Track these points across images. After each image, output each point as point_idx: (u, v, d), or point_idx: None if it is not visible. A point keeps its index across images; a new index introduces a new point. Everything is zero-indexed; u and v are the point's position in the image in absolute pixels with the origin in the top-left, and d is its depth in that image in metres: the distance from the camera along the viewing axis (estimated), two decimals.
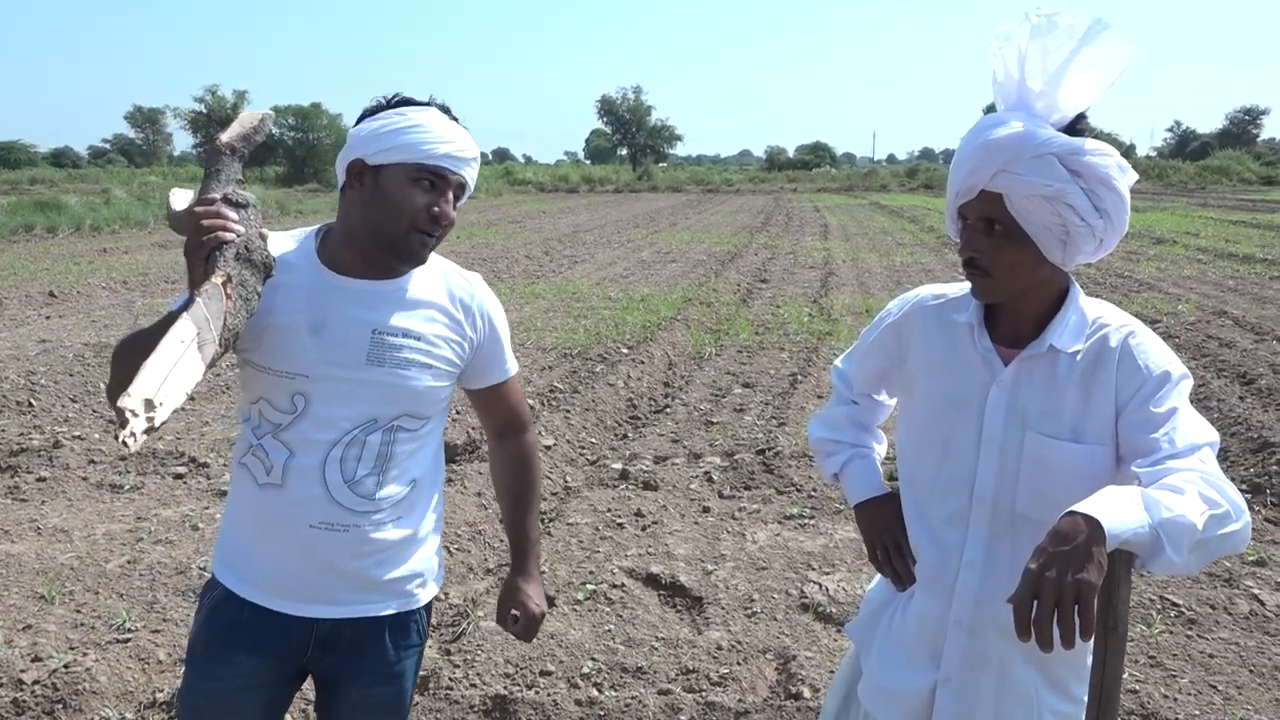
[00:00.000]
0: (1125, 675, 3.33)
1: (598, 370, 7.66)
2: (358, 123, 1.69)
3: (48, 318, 10.12)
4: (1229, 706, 3.17)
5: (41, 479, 5.19)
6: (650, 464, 5.67)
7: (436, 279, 1.78)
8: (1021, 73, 1.48)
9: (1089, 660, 1.67)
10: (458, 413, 6.32)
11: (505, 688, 3.23)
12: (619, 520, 4.75)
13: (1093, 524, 1.22)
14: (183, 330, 1.32)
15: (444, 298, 1.77)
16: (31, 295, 11.38)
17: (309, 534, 1.69)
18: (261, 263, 1.51)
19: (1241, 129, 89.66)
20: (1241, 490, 5.10)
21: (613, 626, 3.67)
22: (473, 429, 5.90)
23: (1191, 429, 1.46)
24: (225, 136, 1.64)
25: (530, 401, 6.58)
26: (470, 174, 1.71)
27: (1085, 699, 1.68)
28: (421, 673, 3.28)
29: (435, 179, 1.64)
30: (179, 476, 5.32)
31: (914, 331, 1.73)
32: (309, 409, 1.67)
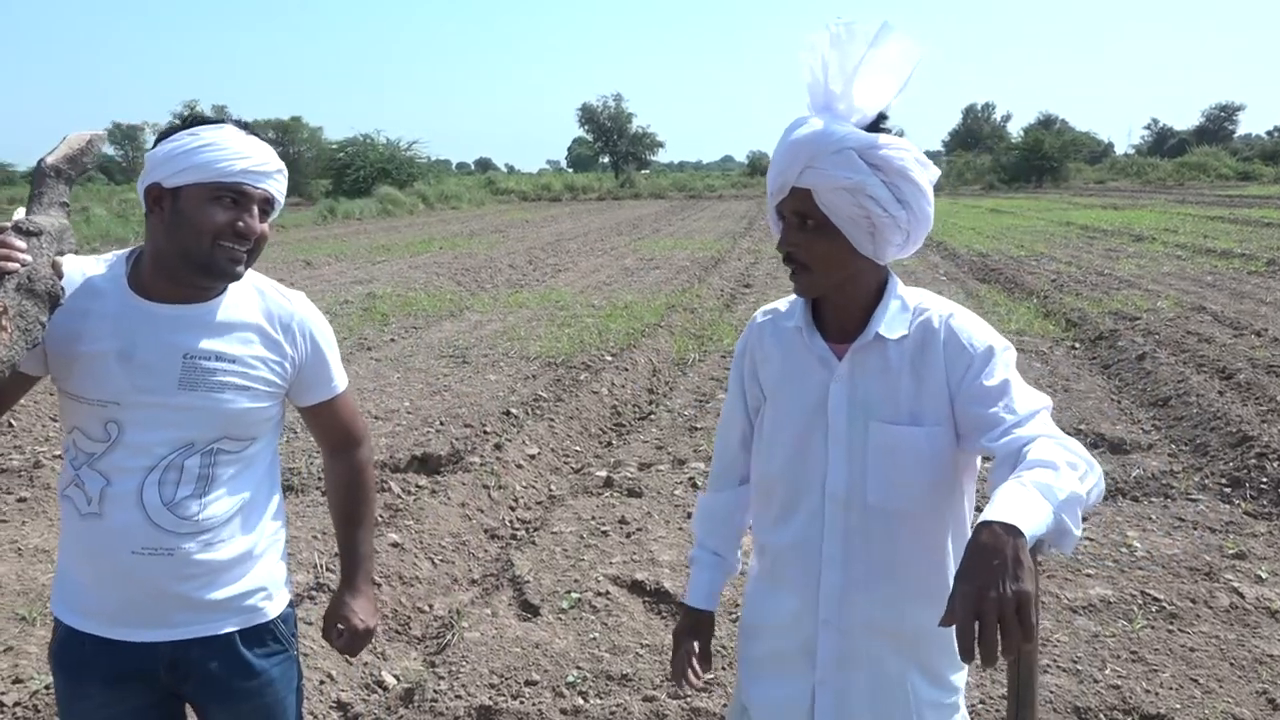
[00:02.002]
0: (1107, 671, 3.35)
1: (582, 378, 7.66)
2: (153, 146, 1.67)
3: None
4: (1210, 699, 3.19)
5: (22, 499, 5.15)
6: (635, 471, 5.68)
7: (253, 300, 1.76)
8: (825, 77, 1.55)
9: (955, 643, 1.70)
10: (440, 424, 6.32)
11: (490, 698, 3.22)
12: (603, 528, 4.75)
13: (1013, 530, 1.23)
14: None
15: (260, 318, 1.76)
16: None
17: (132, 560, 1.67)
18: (46, 293, 1.47)
19: (1218, 125, 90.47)
20: (1221, 484, 5.18)
21: (598, 634, 3.67)
22: (456, 439, 5.89)
23: (1025, 397, 1.53)
24: (50, 159, 1.62)
25: (514, 410, 6.58)
26: (274, 187, 1.70)
27: (961, 686, 1.73)
28: (406, 685, 3.28)
29: (236, 195, 1.64)
30: None
31: (754, 349, 1.80)
32: (122, 436, 1.66)
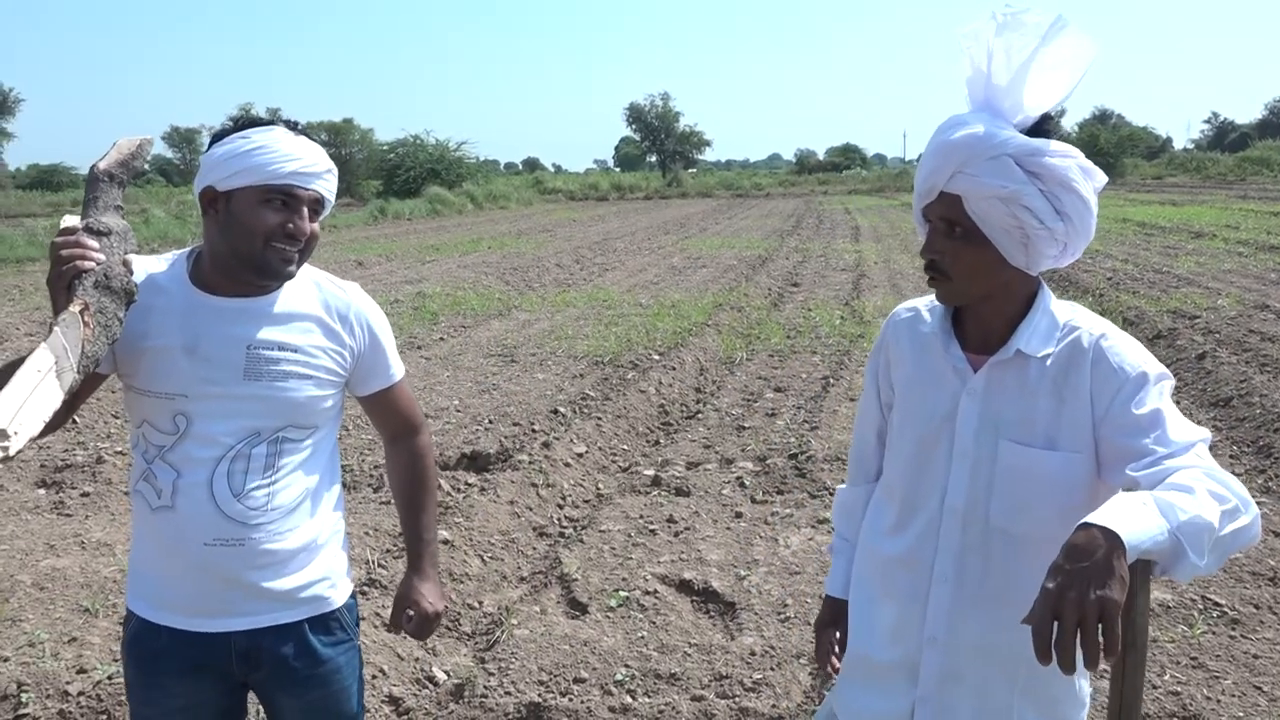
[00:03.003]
0: (1166, 677, 3.28)
1: (629, 377, 7.67)
2: (207, 149, 1.71)
3: None
4: (1274, 708, 3.11)
5: (85, 494, 5.29)
6: (682, 470, 5.67)
7: (310, 291, 1.81)
8: (988, 71, 1.45)
9: (1079, 681, 1.61)
10: (489, 422, 6.36)
11: (539, 695, 3.24)
12: (651, 527, 4.76)
13: (1111, 536, 1.17)
14: (40, 359, 1.37)
15: (319, 309, 1.80)
16: None
17: (204, 552, 1.72)
18: (122, 289, 1.53)
19: None
20: None
21: (646, 633, 3.68)
22: (505, 438, 5.93)
23: (1181, 427, 1.41)
24: (103, 164, 1.66)
25: (562, 409, 6.61)
26: (324, 187, 1.73)
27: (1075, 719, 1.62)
28: (456, 681, 3.31)
29: (286, 197, 1.67)
30: None
31: (890, 346, 1.72)
32: (191, 428, 1.70)
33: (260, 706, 1.98)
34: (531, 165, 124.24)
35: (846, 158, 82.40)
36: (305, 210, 1.70)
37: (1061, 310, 1.56)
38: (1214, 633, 3.61)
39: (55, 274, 1.50)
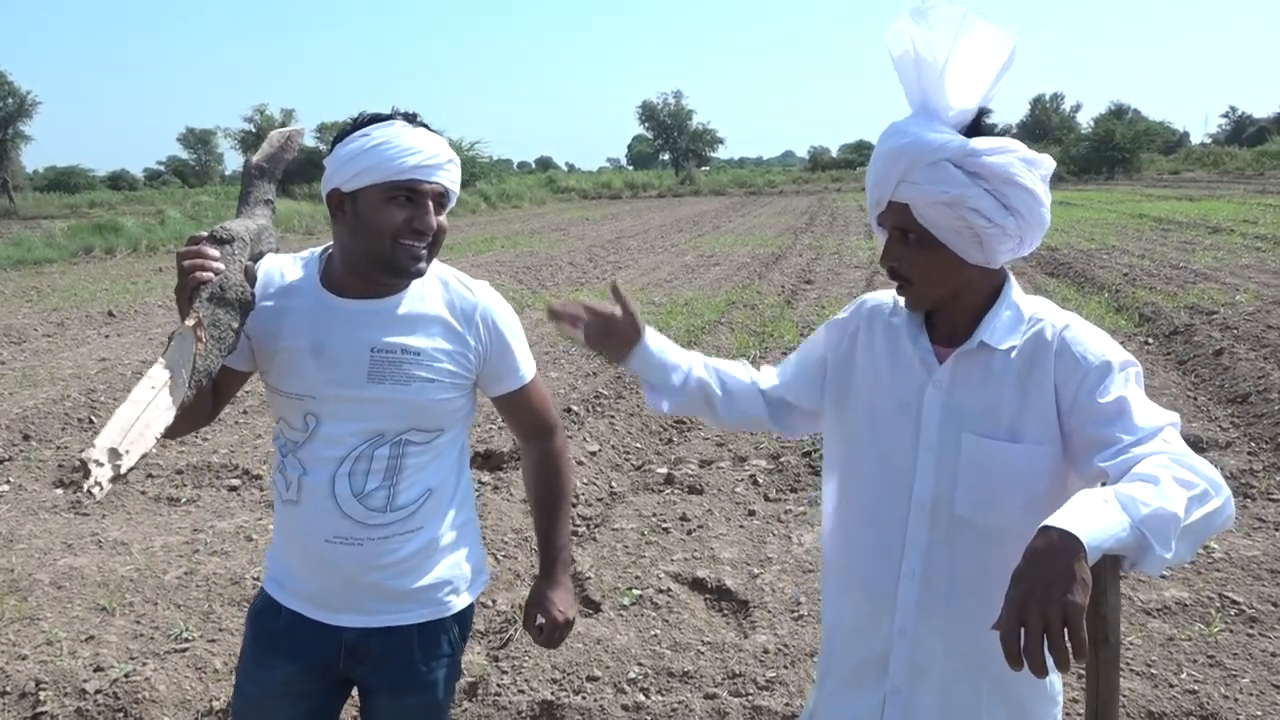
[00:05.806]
0: (1183, 675, 3.26)
1: None
2: (330, 150, 1.70)
3: (107, 337, 10.39)
4: None
5: None
6: (695, 468, 5.67)
7: (436, 291, 1.79)
8: (917, 73, 1.45)
9: (1050, 677, 1.58)
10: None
11: (553, 693, 3.25)
12: (664, 525, 4.76)
13: (1069, 539, 1.16)
14: (155, 375, 1.39)
15: (443, 310, 1.78)
16: (91, 315, 11.69)
17: (325, 548, 1.74)
18: (237, 300, 1.52)
19: None
20: None
21: (659, 631, 3.68)
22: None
23: (1147, 413, 1.40)
24: (255, 158, 1.69)
25: (575, 408, 6.61)
26: (446, 178, 1.71)
27: (1045, 716, 1.61)
28: (470, 679, 3.32)
29: (410, 193, 1.65)
30: (233, 489, 5.44)
31: (859, 333, 1.72)
32: (319, 428, 1.72)
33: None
34: (545, 164, 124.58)
35: (860, 154, 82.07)
36: (430, 204, 1.68)
37: (1027, 304, 1.56)
38: (1231, 631, 3.58)
39: (179, 285, 1.51)
